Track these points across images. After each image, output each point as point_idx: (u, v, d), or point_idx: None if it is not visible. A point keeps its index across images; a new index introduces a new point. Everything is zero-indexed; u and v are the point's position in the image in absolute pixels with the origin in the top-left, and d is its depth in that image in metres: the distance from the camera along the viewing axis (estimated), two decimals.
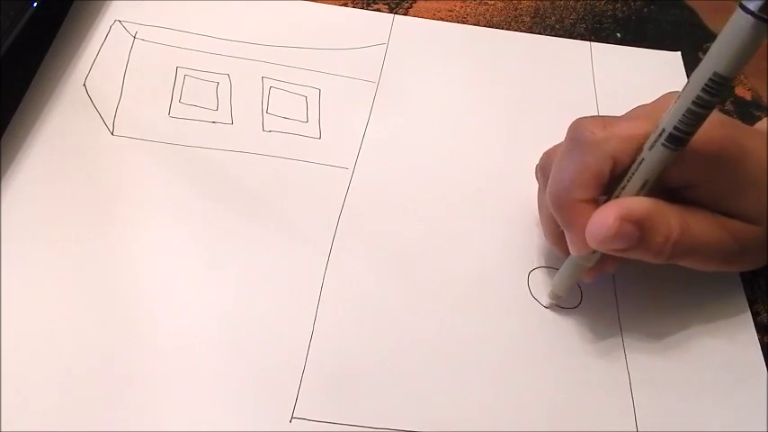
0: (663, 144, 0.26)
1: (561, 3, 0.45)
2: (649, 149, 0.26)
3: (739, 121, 0.30)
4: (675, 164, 0.27)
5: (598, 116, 0.29)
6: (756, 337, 0.32)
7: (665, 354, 0.31)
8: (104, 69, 0.37)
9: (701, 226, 0.28)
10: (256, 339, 0.29)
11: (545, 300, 0.32)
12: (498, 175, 0.36)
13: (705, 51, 0.43)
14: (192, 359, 0.29)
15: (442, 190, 0.35)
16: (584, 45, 0.43)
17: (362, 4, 0.43)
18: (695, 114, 0.25)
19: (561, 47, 0.43)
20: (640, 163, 0.27)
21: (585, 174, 0.28)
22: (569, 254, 0.30)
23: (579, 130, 0.28)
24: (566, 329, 0.31)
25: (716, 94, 0.24)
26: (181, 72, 0.38)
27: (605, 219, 0.27)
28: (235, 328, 0.30)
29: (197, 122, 0.36)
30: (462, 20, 0.43)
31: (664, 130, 0.26)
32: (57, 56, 0.37)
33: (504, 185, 0.36)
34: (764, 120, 0.35)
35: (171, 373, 0.28)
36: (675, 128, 0.25)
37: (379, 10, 0.43)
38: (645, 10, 0.46)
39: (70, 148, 0.34)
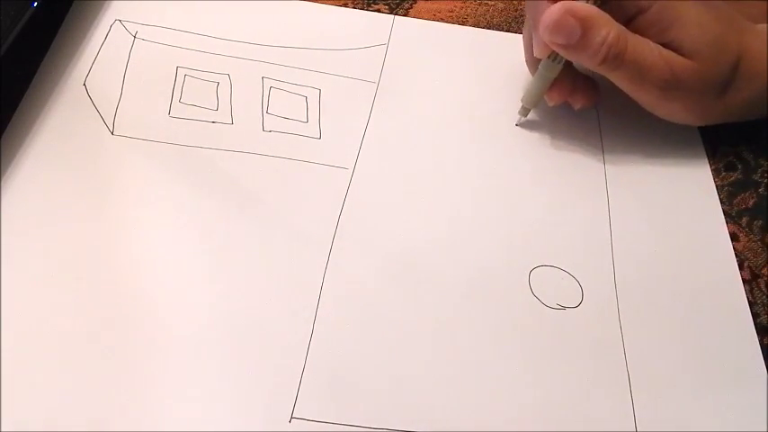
0: None
1: None
2: None
3: None
4: None
5: None
6: (756, 338, 0.32)
7: (665, 354, 0.31)
8: (104, 69, 0.37)
9: (639, 44, 0.33)
10: (256, 339, 0.29)
11: (519, 119, 0.38)
12: (498, 174, 0.36)
13: None
14: (192, 359, 0.29)
15: (442, 190, 0.35)
16: None
17: (363, 4, 0.43)
18: None
19: None
20: None
21: None
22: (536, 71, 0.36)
23: None
24: (566, 329, 0.31)
25: None
26: (181, 72, 0.38)
27: (553, 9, 0.33)
28: (234, 327, 0.30)
29: (197, 122, 0.36)
30: (462, 21, 0.43)
31: None
32: (57, 55, 0.37)
33: (505, 185, 0.36)
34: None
35: (171, 372, 0.28)
36: None
37: (379, 11, 0.43)
38: None
39: (70, 148, 0.34)
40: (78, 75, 0.37)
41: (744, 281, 0.34)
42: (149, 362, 0.28)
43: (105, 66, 0.38)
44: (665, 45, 0.34)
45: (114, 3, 0.40)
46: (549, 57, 0.35)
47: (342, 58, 0.40)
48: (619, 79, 0.34)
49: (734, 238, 0.35)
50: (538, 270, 0.33)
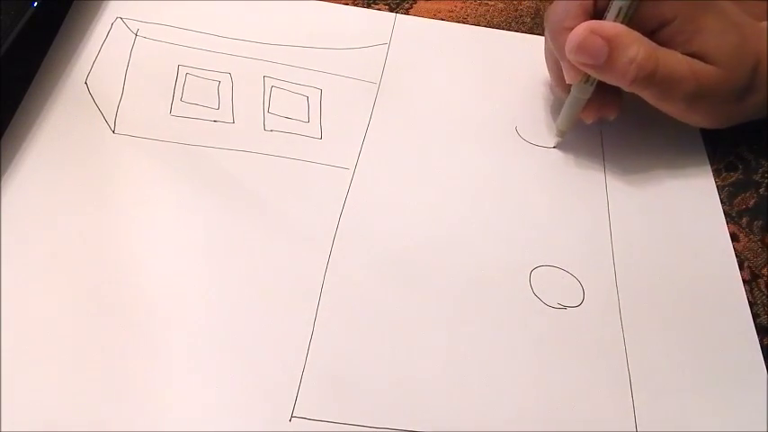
0: None
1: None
2: None
3: None
4: (646, 2, 0.33)
5: None
6: (756, 339, 0.32)
7: (666, 353, 0.31)
8: (106, 67, 0.37)
9: (667, 58, 0.33)
10: (256, 338, 0.29)
11: (555, 141, 0.38)
12: (499, 174, 0.36)
13: None
14: (192, 358, 0.29)
15: (443, 190, 0.35)
16: None
17: (363, 3, 0.43)
18: None
19: None
20: None
21: (574, 6, 0.34)
22: (569, 95, 0.36)
23: None
24: (566, 329, 0.31)
25: None
26: (182, 70, 0.38)
27: (578, 30, 0.33)
28: (235, 327, 0.30)
29: (198, 121, 0.36)
30: (462, 20, 0.43)
31: None
32: (58, 54, 0.37)
33: (506, 185, 0.36)
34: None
35: (171, 372, 0.28)
36: None
37: (379, 10, 0.43)
38: None
39: (71, 147, 0.34)
40: (79, 73, 0.37)
41: (744, 281, 0.34)
42: (149, 362, 0.28)
43: (106, 64, 0.38)
44: (688, 54, 0.34)
45: (115, 1, 0.40)
46: (581, 80, 0.35)
47: (343, 58, 0.40)
48: (648, 96, 0.34)
49: (734, 238, 0.35)
50: (539, 270, 0.33)
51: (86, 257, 0.31)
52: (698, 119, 0.36)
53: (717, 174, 0.38)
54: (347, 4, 0.43)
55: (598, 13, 0.34)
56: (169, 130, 0.35)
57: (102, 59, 0.38)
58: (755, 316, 0.33)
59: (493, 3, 0.45)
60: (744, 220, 0.36)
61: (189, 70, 0.38)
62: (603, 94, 0.36)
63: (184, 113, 0.36)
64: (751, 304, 0.33)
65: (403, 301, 0.31)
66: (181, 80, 0.37)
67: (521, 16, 0.44)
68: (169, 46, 0.39)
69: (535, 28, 0.44)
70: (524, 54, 0.42)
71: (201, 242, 0.32)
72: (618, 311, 0.32)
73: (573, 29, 0.33)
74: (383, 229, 0.34)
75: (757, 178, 0.38)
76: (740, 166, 0.38)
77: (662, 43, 0.34)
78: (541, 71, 0.39)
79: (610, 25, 0.33)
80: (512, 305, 0.32)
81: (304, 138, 0.36)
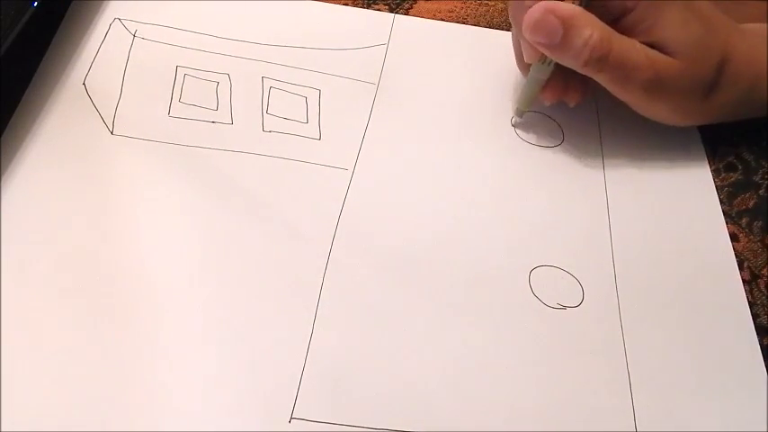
0: None
1: None
2: None
3: None
4: None
5: None
6: (756, 339, 0.32)
7: (665, 354, 0.31)
8: (104, 68, 0.37)
9: (623, 44, 0.33)
10: (256, 339, 0.29)
11: (514, 120, 0.38)
12: (498, 174, 0.36)
13: None
14: (192, 359, 0.28)
15: (442, 190, 0.35)
16: None
17: (363, 4, 0.43)
18: None
19: None
20: None
21: None
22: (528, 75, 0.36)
23: None
24: (566, 329, 0.31)
25: None
26: (181, 71, 0.38)
27: (534, 9, 0.33)
28: (234, 327, 0.30)
29: (197, 122, 0.36)
30: (462, 21, 0.43)
31: None
32: (56, 55, 0.37)
33: (505, 185, 0.36)
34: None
35: (170, 372, 0.28)
36: None
37: (379, 10, 0.43)
38: None
39: (70, 148, 0.34)
40: (78, 74, 0.37)
41: (744, 281, 0.34)
42: (149, 361, 0.28)
43: (105, 65, 0.37)
44: (649, 45, 0.34)
45: (114, 2, 0.40)
46: (538, 60, 0.35)
47: (342, 59, 0.40)
48: (603, 80, 0.34)
49: (734, 238, 0.35)
50: (538, 270, 0.33)
51: (85, 258, 0.31)
52: (659, 112, 0.36)
53: (716, 174, 0.38)
54: (346, 5, 0.43)
55: None
56: (167, 132, 0.35)
57: (101, 60, 0.38)
58: (755, 316, 0.33)
59: (493, 3, 0.45)
60: (744, 220, 0.36)
61: (187, 71, 0.38)
62: (566, 77, 0.36)
63: (183, 114, 0.36)
64: (751, 304, 0.33)
65: (402, 302, 0.31)
66: (179, 81, 0.37)
67: None
68: (167, 47, 0.39)
69: None
70: None
71: (201, 243, 0.32)
72: (617, 312, 0.32)
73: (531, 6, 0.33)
74: (382, 230, 0.34)
75: (757, 179, 0.38)
76: (740, 167, 0.38)
77: (623, 32, 0.34)
78: None
79: (566, 6, 0.33)
80: (511, 305, 0.32)
81: (303, 138, 0.36)
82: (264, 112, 0.37)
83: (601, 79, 0.34)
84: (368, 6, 0.43)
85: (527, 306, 0.32)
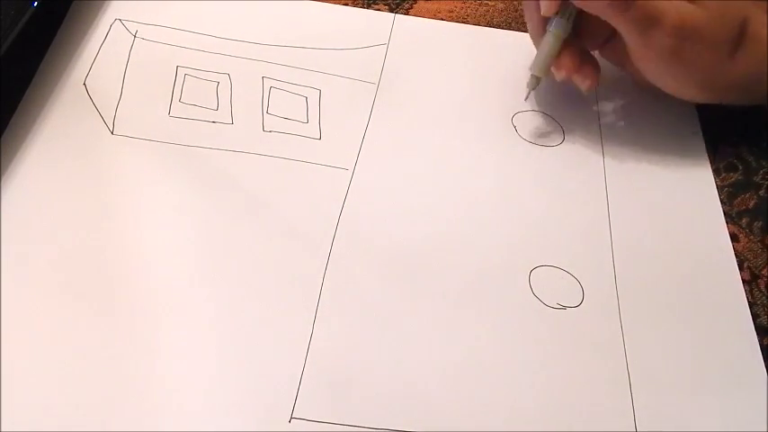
0: None
1: None
2: None
3: None
4: None
5: None
6: (756, 339, 0.32)
7: (666, 354, 0.31)
8: (104, 68, 0.37)
9: None
10: (256, 339, 0.29)
11: (528, 92, 0.37)
12: (499, 174, 0.36)
13: None
14: (192, 359, 0.29)
15: (442, 190, 0.35)
16: None
17: (363, 4, 0.43)
18: None
19: None
20: None
21: None
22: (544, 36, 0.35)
23: None
24: (566, 329, 0.31)
25: None
26: (181, 71, 0.38)
27: None
28: (234, 327, 0.30)
29: (197, 122, 0.36)
30: (462, 20, 0.43)
31: None
32: (57, 55, 0.37)
33: (505, 185, 0.36)
34: None
35: (170, 372, 0.28)
36: None
37: (379, 10, 0.43)
38: None
39: (70, 148, 0.34)
40: (78, 74, 0.37)
41: (744, 281, 0.34)
42: (149, 361, 0.28)
43: (105, 65, 0.38)
44: None
45: (114, 2, 0.40)
46: (557, 13, 0.34)
47: (342, 59, 0.40)
48: (627, 24, 0.33)
49: (734, 238, 0.35)
50: (538, 270, 0.33)
51: (85, 258, 0.31)
52: (684, 73, 0.35)
53: (717, 174, 0.38)
54: (346, 5, 0.43)
55: None
56: (168, 132, 0.35)
57: (101, 60, 0.38)
58: (755, 316, 0.33)
59: (493, 3, 0.45)
60: (744, 220, 0.36)
61: (188, 71, 0.38)
62: (581, 53, 0.35)
63: (183, 114, 0.36)
64: (751, 305, 0.33)
65: (402, 302, 0.31)
66: (179, 81, 0.37)
67: (520, 16, 0.44)
68: (168, 47, 0.39)
69: None
70: (524, 54, 0.42)
71: (201, 243, 0.32)
72: (617, 312, 0.32)
73: None
74: (382, 230, 0.34)
75: (758, 180, 0.38)
76: (740, 167, 0.38)
77: None
78: None
79: None
80: (511, 305, 0.32)
81: (303, 138, 0.36)
82: (265, 111, 0.37)
83: (624, 22, 0.33)
84: (368, 6, 0.43)
85: (527, 306, 0.32)
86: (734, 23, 0.33)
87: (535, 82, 0.37)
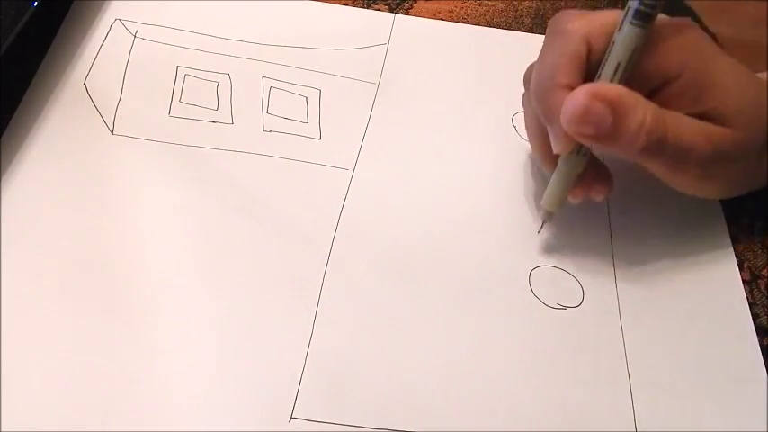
0: (630, 22, 0.27)
1: (562, 4, 0.46)
2: (618, 31, 0.28)
3: None
4: (647, 52, 0.28)
5: (577, 10, 0.30)
6: (756, 339, 0.32)
7: (666, 354, 0.31)
8: (105, 68, 0.37)
9: (676, 122, 0.28)
10: (256, 339, 0.29)
11: (538, 224, 0.34)
12: (499, 174, 0.36)
13: None
14: (192, 359, 0.29)
15: (442, 190, 0.35)
16: None
17: (363, 4, 0.43)
18: None
19: None
20: (612, 46, 0.28)
21: (563, 58, 0.29)
22: (555, 170, 0.31)
23: (557, 22, 0.30)
24: (566, 329, 0.31)
25: None
26: (181, 71, 0.38)
27: (577, 96, 0.27)
28: (234, 327, 0.30)
29: (197, 122, 0.36)
30: (462, 21, 0.43)
31: (629, 8, 0.27)
32: (57, 55, 0.37)
33: (505, 185, 0.36)
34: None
35: (170, 372, 0.28)
36: (641, 2, 0.27)
37: (379, 10, 0.43)
38: None
39: (70, 148, 0.34)
40: (78, 74, 0.37)
41: (744, 281, 0.34)
42: (149, 361, 0.28)
43: (105, 65, 0.38)
44: (696, 115, 0.29)
45: (114, 2, 0.40)
46: (572, 151, 0.30)
47: (342, 58, 0.40)
48: (658, 165, 0.29)
49: (734, 239, 0.35)
50: (538, 270, 0.33)
51: (85, 258, 0.31)
52: (713, 188, 0.32)
53: None
54: (347, 5, 0.43)
55: (590, 69, 0.29)
56: (168, 132, 0.35)
57: (101, 61, 0.38)
58: (755, 316, 0.33)
59: (493, 3, 0.45)
60: (744, 220, 0.36)
61: (188, 71, 0.38)
62: (594, 167, 0.32)
63: (183, 114, 0.36)
64: (751, 305, 0.33)
65: (402, 302, 0.31)
66: (180, 81, 0.37)
67: (521, 16, 0.44)
68: (168, 47, 0.39)
69: (535, 28, 0.44)
70: (524, 54, 0.42)
71: (201, 243, 0.32)
72: (617, 311, 0.32)
73: (564, 86, 0.28)
74: (382, 230, 0.34)
75: None
76: None
77: (664, 104, 0.29)
78: None
79: (610, 87, 0.28)
80: (511, 305, 0.32)
81: (303, 138, 0.36)
82: (265, 111, 0.37)
83: (656, 166, 0.29)
84: (368, 6, 0.43)
85: (527, 306, 0.32)
86: (761, 131, 0.30)
87: (548, 216, 0.33)
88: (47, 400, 0.27)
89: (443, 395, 0.29)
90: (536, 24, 0.44)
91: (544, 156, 0.32)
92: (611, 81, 0.28)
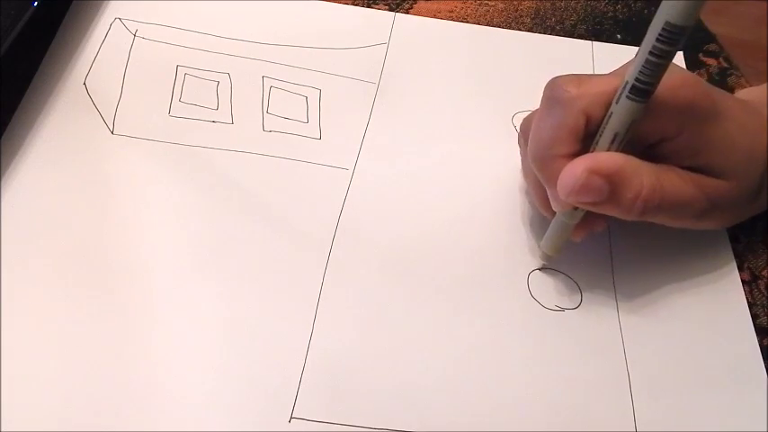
0: (627, 96, 0.27)
1: (562, 4, 0.45)
2: (616, 103, 0.27)
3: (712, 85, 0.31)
4: (645, 117, 0.28)
5: (574, 74, 0.30)
6: (756, 339, 0.32)
7: (665, 354, 0.31)
8: (104, 68, 0.37)
9: (672, 182, 0.29)
10: (256, 339, 0.29)
11: (537, 263, 0.33)
12: (499, 175, 0.36)
13: (706, 52, 0.43)
14: (192, 359, 0.29)
15: (443, 191, 0.35)
16: (585, 44, 0.43)
17: (363, 3, 0.43)
18: (654, 65, 0.26)
19: (562, 46, 0.43)
20: (609, 117, 0.28)
21: (562, 130, 0.29)
22: (554, 218, 0.32)
23: (555, 89, 0.29)
24: (566, 329, 0.31)
25: (672, 43, 0.25)
26: (181, 71, 0.38)
27: (574, 170, 0.28)
28: (234, 327, 0.30)
29: (197, 122, 0.36)
30: (462, 20, 0.43)
31: (627, 83, 0.27)
32: (57, 55, 0.37)
33: (505, 186, 0.36)
34: (747, 90, 0.35)
35: (170, 372, 0.28)
36: (637, 79, 0.26)
37: (379, 10, 0.43)
38: (645, 11, 0.46)
39: (70, 147, 0.34)
40: (78, 74, 0.37)
41: (743, 282, 0.34)
42: (149, 361, 0.28)
43: (105, 65, 0.37)
44: (692, 168, 0.30)
45: (114, 1, 0.40)
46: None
47: (342, 58, 0.40)
48: (657, 221, 0.31)
49: (734, 238, 0.35)
50: (536, 272, 0.33)
51: (85, 258, 0.31)
52: (709, 226, 0.32)
53: None
54: (347, 4, 0.43)
55: (589, 135, 0.29)
56: (168, 131, 0.35)
57: (101, 60, 0.38)
58: (755, 317, 0.33)
59: (493, 3, 0.45)
60: (744, 220, 0.36)
61: (188, 71, 0.38)
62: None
63: (183, 114, 0.36)
64: (750, 305, 0.33)
65: (402, 302, 0.31)
66: (180, 81, 0.37)
67: (521, 16, 0.44)
68: (168, 46, 0.39)
69: (535, 28, 0.44)
70: (524, 53, 0.42)
71: (200, 243, 0.32)
72: (616, 313, 0.32)
73: (562, 156, 0.29)
74: (382, 230, 0.34)
75: None
76: None
77: (662, 157, 0.30)
78: (541, 69, 0.39)
79: (608, 159, 0.28)
80: (510, 307, 0.32)
81: (303, 138, 0.36)
82: (265, 111, 0.37)
83: (654, 220, 0.30)
84: (368, 6, 0.43)
85: (525, 308, 0.32)
86: (758, 177, 0.31)
87: (548, 258, 0.34)
88: (47, 400, 0.27)
89: (443, 396, 0.29)
90: (536, 24, 0.44)
91: (542, 205, 0.33)
92: (609, 150, 0.28)
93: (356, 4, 0.43)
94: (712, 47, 0.43)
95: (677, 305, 0.33)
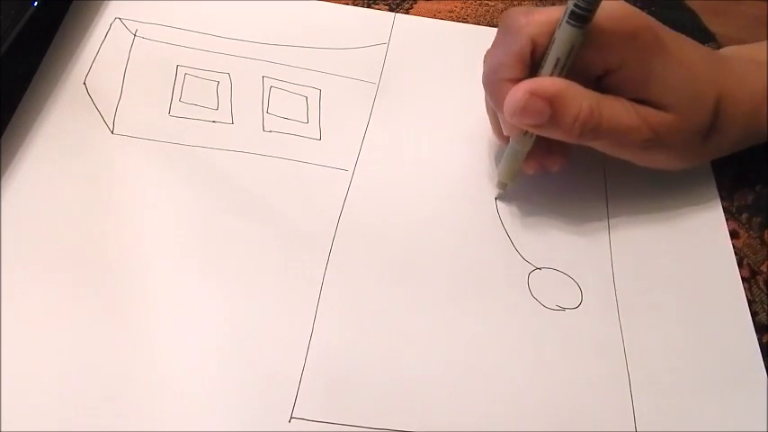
0: (567, 22, 0.29)
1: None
2: (558, 29, 0.29)
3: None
4: (589, 46, 0.30)
5: (527, 6, 0.32)
6: (755, 337, 0.32)
7: (665, 354, 0.31)
8: (104, 68, 0.37)
9: (613, 109, 0.31)
10: (256, 339, 0.29)
11: (495, 192, 0.36)
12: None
13: None
14: (192, 359, 0.29)
15: (443, 191, 0.35)
16: None
17: (363, 3, 0.43)
18: None
19: None
20: (552, 43, 0.30)
21: (509, 56, 0.31)
22: (508, 146, 0.34)
23: (506, 20, 0.31)
24: (566, 329, 0.31)
25: None
26: (181, 71, 0.38)
27: (517, 93, 0.30)
28: (234, 327, 0.30)
29: (197, 122, 0.36)
30: (463, 20, 0.43)
31: (567, 8, 0.29)
32: (57, 54, 0.37)
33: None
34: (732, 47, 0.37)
35: (170, 372, 0.28)
36: (576, 5, 0.28)
37: (379, 10, 0.43)
38: (645, 11, 0.45)
39: (70, 147, 0.34)
40: (78, 74, 0.37)
41: (743, 278, 0.34)
42: (149, 361, 0.28)
43: (105, 64, 0.38)
44: (639, 101, 0.31)
45: (114, 1, 0.40)
46: (520, 132, 0.33)
47: (342, 58, 0.40)
48: (599, 147, 0.32)
49: (734, 234, 0.35)
50: (537, 272, 0.33)
51: (85, 258, 0.31)
52: (658, 163, 0.34)
53: (716, 170, 0.38)
54: (347, 4, 0.43)
55: (534, 62, 0.31)
56: (168, 131, 0.35)
57: (101, 60, 0.38)
58: (754, 314, 0.33)
59: (493, 3, 0.45)
60: (743, 216, 0.36)
61: (188, 70, 0.38)
62: (548, 143, 0.33)
63: (183, 114, 0.36)
64: (750, 302, 0.33)
65: (402, 302, 0.31)
66: (180, 80, 0.37)
67: None
68: (168, 46, 0.39)
69: None
70: None
71: (201, 242, 0.32)
72: (616, 312, 0.32)
73: (509, 80, 0.31)
74: (382, 230, 0.34)
75: (756, 175, 0.38)
76: (740, 163, 0.38)
77: (608, 90, 0.31)
78: None
79: (549, 83, 0.30)
80: (510, 307, 0.32)
81: (303, 139, 0.36)
82: (265, 111, 0.37)
83: (597, 146, 0.32)
84: (368, 6, 0.43)
85: (526, 307, 0.32)
86: (705, 116, 0.32)
87: (503, 185, 0.35)
88: (47, 400, 0.27)
89: (443, 395, 0.29)
90: None
91: (498, 133, 0.35)
92: (552, 75, 0.30)
93: (356, 4, 0.43)
94: (712, 46, 0.43)
95: (676, 303, 0.33)
